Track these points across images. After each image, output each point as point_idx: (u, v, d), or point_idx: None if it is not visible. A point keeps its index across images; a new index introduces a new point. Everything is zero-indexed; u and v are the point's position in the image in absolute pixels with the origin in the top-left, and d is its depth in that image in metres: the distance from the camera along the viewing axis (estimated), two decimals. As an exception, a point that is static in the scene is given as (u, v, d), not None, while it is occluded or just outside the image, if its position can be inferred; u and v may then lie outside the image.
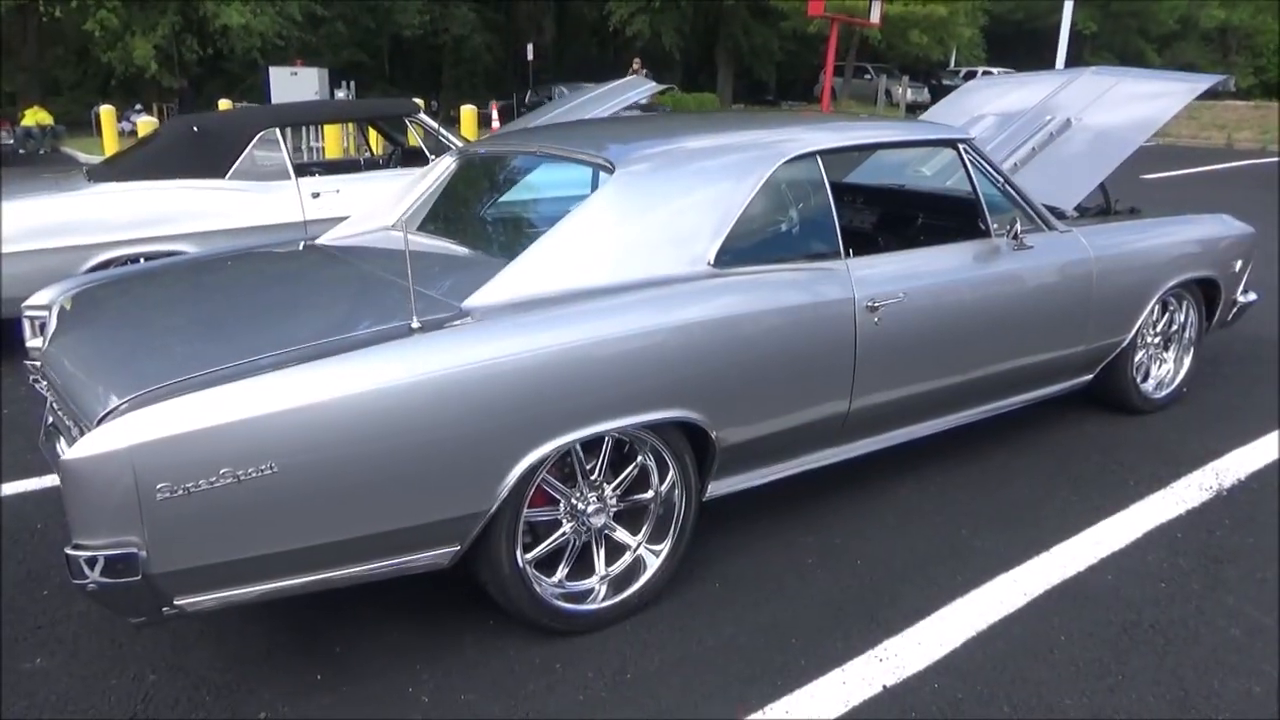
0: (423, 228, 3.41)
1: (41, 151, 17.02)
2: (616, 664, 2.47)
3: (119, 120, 13.23)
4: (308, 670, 2.46)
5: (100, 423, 1.96)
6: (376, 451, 2.12)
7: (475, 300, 2.42)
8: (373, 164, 6.89)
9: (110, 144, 12.91)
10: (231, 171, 5.43)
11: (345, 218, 3.55)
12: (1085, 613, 2.68)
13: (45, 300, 3.01)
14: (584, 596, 2.63)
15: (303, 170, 5.94)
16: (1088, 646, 2.53)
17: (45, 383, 2.50)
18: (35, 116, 18.12)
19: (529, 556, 2.52)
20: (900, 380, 3.12)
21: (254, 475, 1.99)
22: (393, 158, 6.83)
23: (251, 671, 2.46)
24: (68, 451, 1.89)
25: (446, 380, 2.20)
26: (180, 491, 1.93)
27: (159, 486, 1.91)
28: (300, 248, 3.32)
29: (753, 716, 2.28)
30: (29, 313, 3.03)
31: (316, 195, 5.59)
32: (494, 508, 2.31)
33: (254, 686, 2.40)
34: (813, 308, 2.83)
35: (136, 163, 5.57)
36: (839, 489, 3.39)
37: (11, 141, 16.19)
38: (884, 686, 2.37)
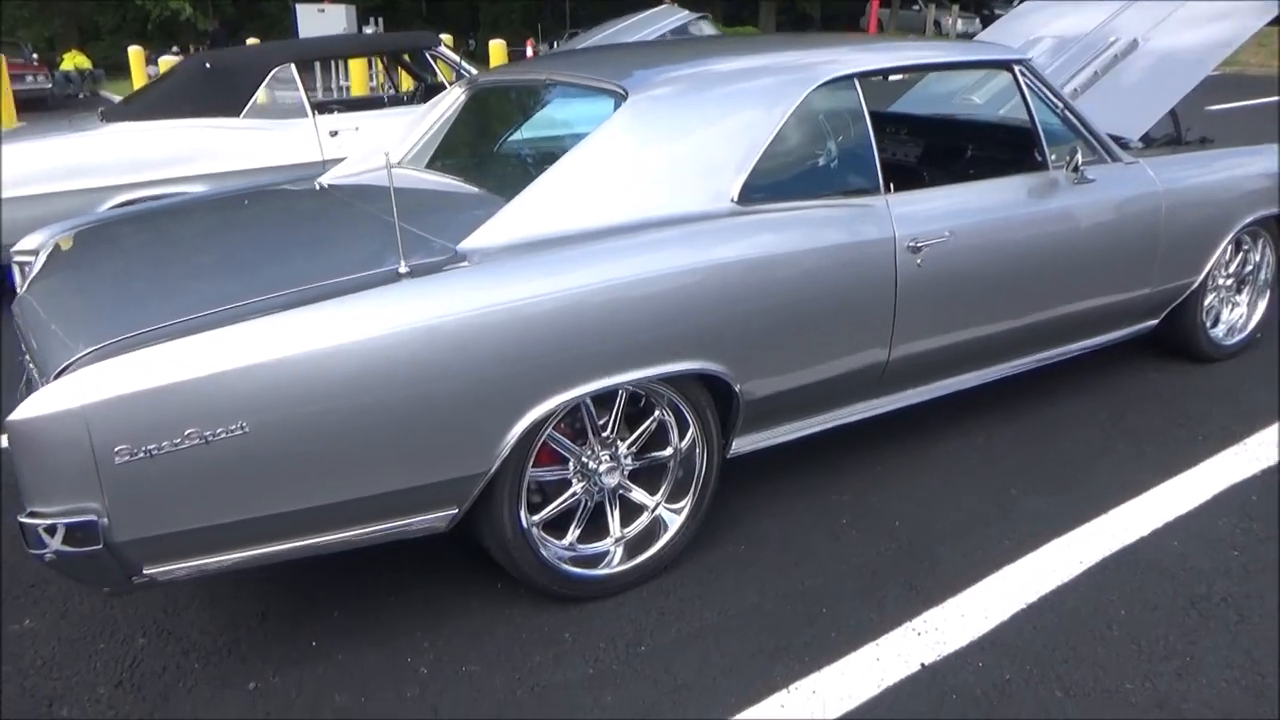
0: (430, 164, 3.19)
1: (80, 95, 17.00)
2: (630, 634, 2.29)
3: (147, 64, 13.08)
4: (302, 636, 2.32)
5: (57, 378, 1.78)
6: (360, 409, 1.93)
7: (472, 242, 2.20)
8: (396, 100, 6.66)
9: (140, 86, 12.79)
10: (246, 109, 5.24)
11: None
12: (1148, 584, 2.43)
13: (34, 244, 2.85)
14: (597, 560, 2.44)
15: (321, 108, 5.72)
16: (1151, 622, 2.29)
17: (19, 332, 2.34)
18: (74, 60, 18.09)
19: (536, 518, 2.33)
20: (945, 327, 2.86)
21: (223, 436, 1.82)
22: (416, 94, 6.59)
23: (244, 636, 2.32)
24: (15, 410, 1.72)
25: (437, 330, 1.99)
26: (141, 454, 1.76)
27: (117, 449, 1.74)
28: (299, 188, 3.12)
29: (777, 695, 2.09)
30: (18, 258, 2.88)
31: (335, 133, 5.38)
32: (493, 469, 2.12)
33: (246, 653, 2.26)
34: (848, 249, 2.57)
35: (151, 102, 5.39)
36: (875, 444, 3.15)
37: (50, 85, 16.17)
38: (922, 664, 2.17)
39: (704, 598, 2.42)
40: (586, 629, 2.32)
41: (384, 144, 3.29)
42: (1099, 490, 2.88)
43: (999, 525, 2.71)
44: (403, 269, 2.03)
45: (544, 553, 2.31)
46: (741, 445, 2.60)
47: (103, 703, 2.11)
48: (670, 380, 2.35)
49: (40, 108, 14.36)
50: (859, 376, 2.72)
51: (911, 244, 2.67)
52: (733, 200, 2.46)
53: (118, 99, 7.86)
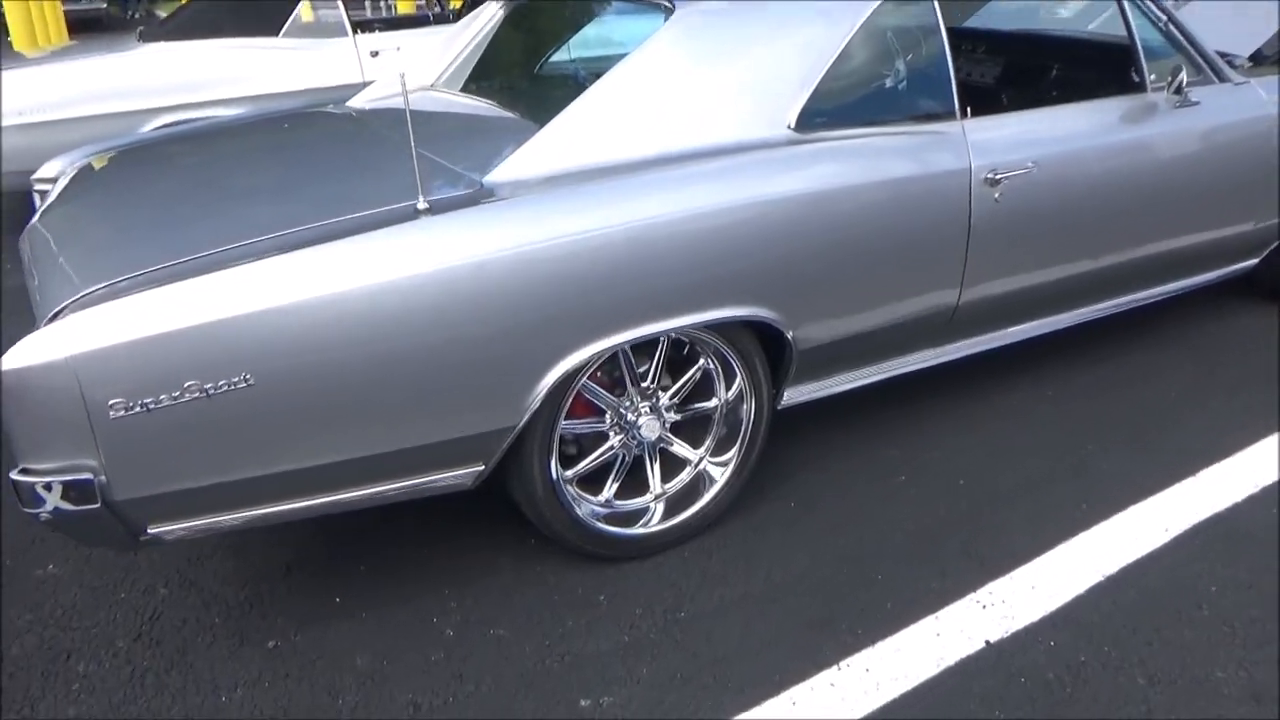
0: (465, 87, 2.97)
1: (134, 15, 16.90)
2: (669, 599, 2.14)
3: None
4: (327, 591, 2.21)
5: (49, 323, 1.65)
6: (374, 360, 1.77)
7: (500, 174, 2.00)
8: (442, 18, 6.38)
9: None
10: (285, 28, 5.04)
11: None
12: (1242, 557, 2.20)
13: (54, 172, 2.72)
14: (636, 518, 2.29)
15: (363, 26, 5.49)
16: (1245, 602, 2.07)
17: (24, 266, 2.22)
18: (127, -21, 17.95)
19: (569, 473, 2.17)
20: (1022, 268, 2.60)
21: (226, 389, 1.67)
22: (463, 10, 6.31)
23: (268, 590, 2.22)
24: (4, 356, 1.59)
25: (458, 273, 1.81)
26: (138, 408, 1.62)
27: (111, 403, 1.61)
28: (326, 113, 2.93)
29: (826, 672, 1.93)
30: (38, 186, 2.75)
31: (375, 54, 5.16)
32: (521, 423, 1.96)
33: (268, 608, 2.16)
34: (918, 181, 2.31)
35: (188, 21, 5.21)
36: (938, 393, 2.93)
37: (104, 5, 16.08)
38: (987, 642, 1.98)
39: (749, 560, 2.26)
40: (623, 592, 2.17)
41: (413, 64, 3.08)
42: (1186, 450, 2.62)
43: (1073, 486, 2.48)
44: (421, 205, 1.84)
45: (577, 510, 2.16)
46: (794, 396, 2.40)
47: (120, 657, 2.03)
48: (716, 328, 2.15)
49: (95, 28, 14.29)
50: (925, 322, 2.49)
51: (989, 176, 2.40)
52: (790, 127, 2.21)
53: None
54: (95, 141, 2.87)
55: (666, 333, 2.08)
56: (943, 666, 1.93)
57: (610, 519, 2.25)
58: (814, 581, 2.18)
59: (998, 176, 2.41)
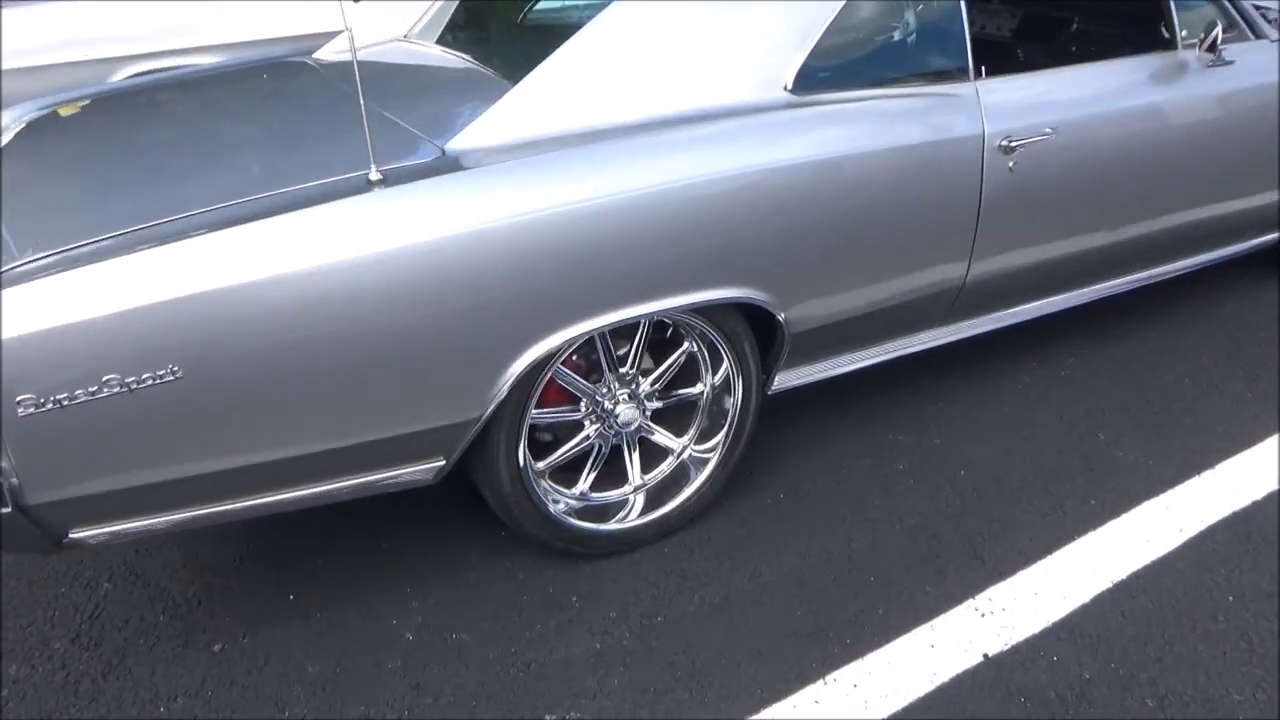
0: (441, 38, 2.76)
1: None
2: (647, 601, 2.00)
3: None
4: (281, 587, 2.07)
5: (-49, 309, 1.47)
6: (315, 350, 1.60)
7: (465, 140, 1.80)
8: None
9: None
10: (263, -29, 4.77)
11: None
12: (1263, 562, 2.05)
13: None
14: (614, 511, 2.13)
15: (344, -32, 5.21)
16: (1266, 613, 1.92)
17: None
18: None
19: (540, 465, 2.02)
20: (1035, 242, 2.41)
21: (150, 383, 1.50)
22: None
23: (218, 585, 2.08)
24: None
25: (413, 254, 1.63)
26: (50, 405, 1.46)
27: (20, 399, 1.44)
28: (289, 64, 2.72)
29: (811, 687, 1.79)
30: (-20, 143, 2.56)
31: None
32: (485, 415, 1.79)
33: (216, 606, 2.02)
34: (926, 149, 2.12)
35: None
36: (942, 371, 2.75)
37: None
38: (985, 655, 1.84)
39: (734, 558, 2.11)
40: (597, 592, 2.03)
41: (389, 12, 2.86)
42: (1204, 439, 2.46)
43: (1084, 479, 2.33)
44: (373, 176, 1.65)
45: (549, 507, 2.00)
46: (786, 380, 2.23)
47: (55, 660, 1.89)
48: (702, 311, 1.97)
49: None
50: (929, 302, 2.31)
51: (1004, 142, 2.20)
52: (787, 88, 2.01)
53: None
54: (55, 92, 2.67)
55: (647, 316, 1.90)
56: (936, 683, 1.78)
57: (586, 513, 2.10)
58: (802, 584, 2.03)
59: (1013, 144, 2.21)
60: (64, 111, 2.43)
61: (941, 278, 2.28)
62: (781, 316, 2.04)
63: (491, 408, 1.79)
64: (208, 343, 1.52)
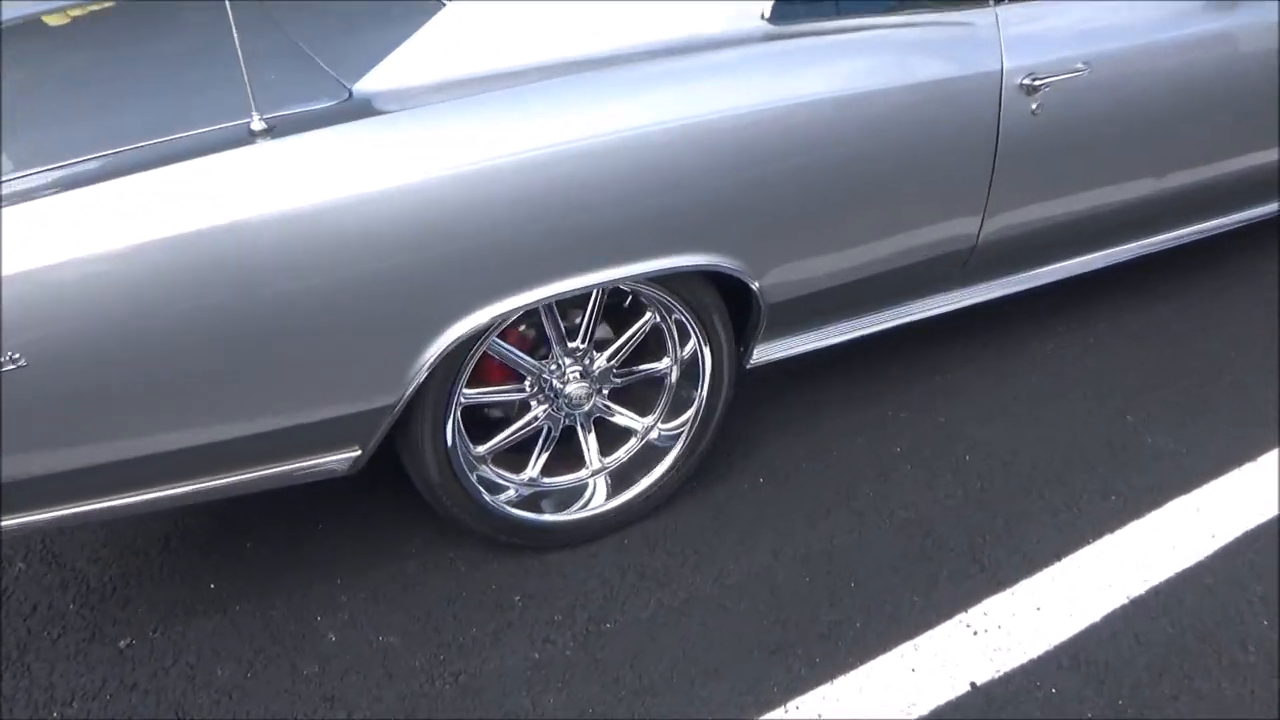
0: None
1: None
2: (596, 603, 1.79)
3: None
4: (203, 574, 1.89)
5: None
6: (182, 330, 1.37)
7: (376, 80, 1.54)
8: None
9: None
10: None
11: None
12: (1306, 577, 1.79)
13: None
14: (571, 498, 1.92)
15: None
16: (1306, 643, 1.67)
17: None
18: None
19: (481, 450, 1.80)
20: (1063, 193, 2.10)
21: (-13, 372, 1.29)
22: None
23: (137, 569, 1.91)
24: None
25: (300, 218, 1.39)
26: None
27: None
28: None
29: (770, 716, 1.57)
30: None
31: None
32: (401, 401, 1.57)
33: (132, 593, 1.85)
34: (931, 89, 1.81)
35: None
36: (951, 341, 2.47)
37: None
38: (972, 683, 1.61)
39: (700, 554, 1.89)
40: (543, 591, 1.82)
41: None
42: (1245, 426, 2.17)
43: (1105, 469, 2.05)
44: (255, 125, 1.40)
45: (485, 497, 1.79)
46: (766, 353, 1.97)
47: (-51, 653, 1.74)
48: (662, 280, 1.71)
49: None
50: (934, 265, 2.02)
51: (1027, 80, 1.88)
52: (764, 17, 1.71)
53: None
54: None
55: (593, 288, 1.65)
56: (913, 715, 1.56)
57: (538, 500, 1.88)
58: (774, 586, 1.81)
59: (1037, 82, 1.89)
60: None
61: (949, 237, 1.99)
62: (756, 285, 1.78)
63: (409, 391, 1.56)
64: (52, 325, 1.30)
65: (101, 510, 1.50)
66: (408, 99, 1.50)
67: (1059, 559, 1.83)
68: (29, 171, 1.36)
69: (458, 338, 1.55)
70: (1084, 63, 1.93)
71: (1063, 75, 1.91)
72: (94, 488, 1.48)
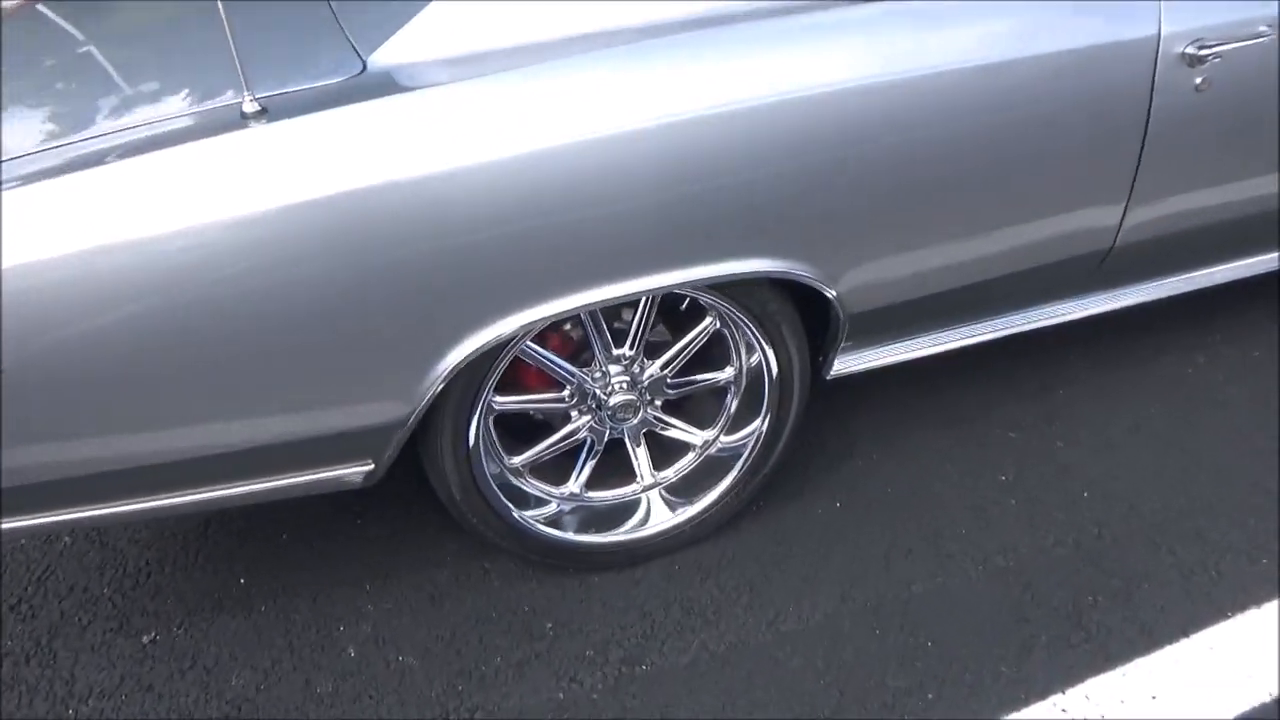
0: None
1: None
2: (633, 640, 1.61)
3: None
4: (234, 569, 1.81)
5: None
6: (169, 332, 1.24)
7: (392, 52, 1.35)
8: None
9: None
10: None
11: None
12: None
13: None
14: (621, 515, 1.73)
15: None
16: None
17: None
18: None
19: (516, 461, 1.63)
20: (1220, 183, 1.74)
21: (-45, 378, 1.20)
22: None
23: (174, 554, 1.84)
24: None
25: (297, 217, 1.22)
26: None
27: None
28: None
29: (812, 798, 1.37)
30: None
31: None
32: (415, 413, 1.41)
33: (163, 581, 1.79)
34: (1064, 60, 1.49)
35: None
36: (1078, 350, 2.14)
37: None
38: (1062, 787, 1.35)
39: (756, 590, 1.67)
40: (579, 619, 1.65)
41: None
42: None
43: (1258, 524, 1.71)
44: (247, 106, 1.24)
45: (515, 517, 1.62)
46: (849, 364, 1.71)
47: (-17, 632, 1.73)
48: (721, 286, 1.48)
49: None
50: (1059, 269, 1.71)
51: (1191, 48, 1.53)
52: (857, -27, 1.43)
53: None
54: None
55: (638, 296, 1.44)
56: (985, 820, 1.32)
57: (578, 516, 1.71)
58: (836, 637, 1.58)
59: (1204, 50, 1.53)
60: None
61: (1081, 236, 1.67)
62: (833, 294, 1.52)
63: (421, 407, 1.40)
64: (27, 331, 1.19)
65: (95, 517, 1.41)
66: (421, 75, 1.31)
67: (1186, 635, 1.53)
68: (26, 153, 1.25)
69: (476, 349, 1.37)
70: (1268, 25, 1.55)
71: (1238, 42, 1.54)
72: (91, 494, 1.39)
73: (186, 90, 1.38)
